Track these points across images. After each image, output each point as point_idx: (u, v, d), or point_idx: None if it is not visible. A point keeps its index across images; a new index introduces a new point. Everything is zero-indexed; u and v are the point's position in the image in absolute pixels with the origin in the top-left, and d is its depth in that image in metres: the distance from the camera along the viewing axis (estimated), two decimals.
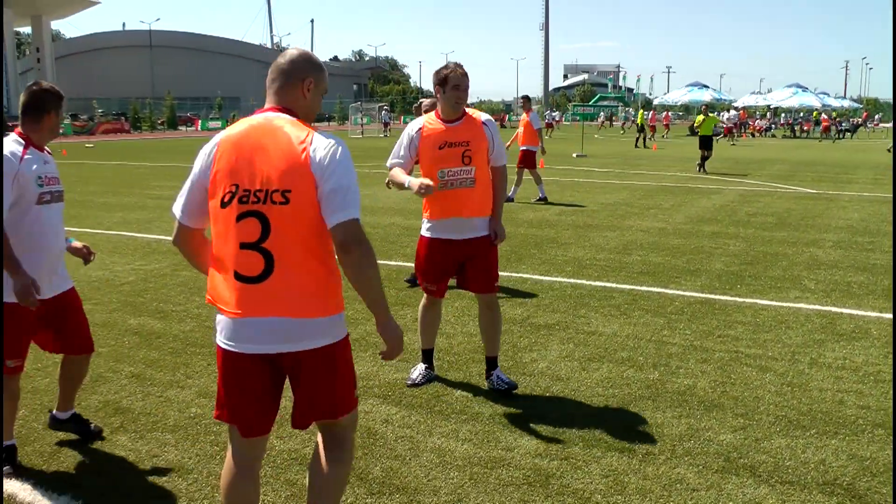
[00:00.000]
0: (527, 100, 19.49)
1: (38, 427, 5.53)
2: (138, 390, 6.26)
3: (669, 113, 72.48)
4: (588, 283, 9.67)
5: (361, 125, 68.78)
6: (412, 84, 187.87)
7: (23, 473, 4.82)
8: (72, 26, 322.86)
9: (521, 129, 18.51)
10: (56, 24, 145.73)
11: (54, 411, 5.28)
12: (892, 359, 6.97)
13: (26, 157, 4.69)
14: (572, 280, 9.79)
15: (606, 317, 8.16)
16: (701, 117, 28.10)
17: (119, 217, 16.07)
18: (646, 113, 54.98)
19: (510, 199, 17.77)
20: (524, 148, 18.17)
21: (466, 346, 7.16)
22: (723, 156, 34.51)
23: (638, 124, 48.95)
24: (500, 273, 10.17)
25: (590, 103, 52.79)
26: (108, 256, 11.79)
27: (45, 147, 4.95)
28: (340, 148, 3.32)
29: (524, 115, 18.66)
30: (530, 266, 10.59)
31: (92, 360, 6.91)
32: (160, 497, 4.52)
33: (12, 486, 4.68)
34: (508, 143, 17.41)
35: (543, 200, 17.99)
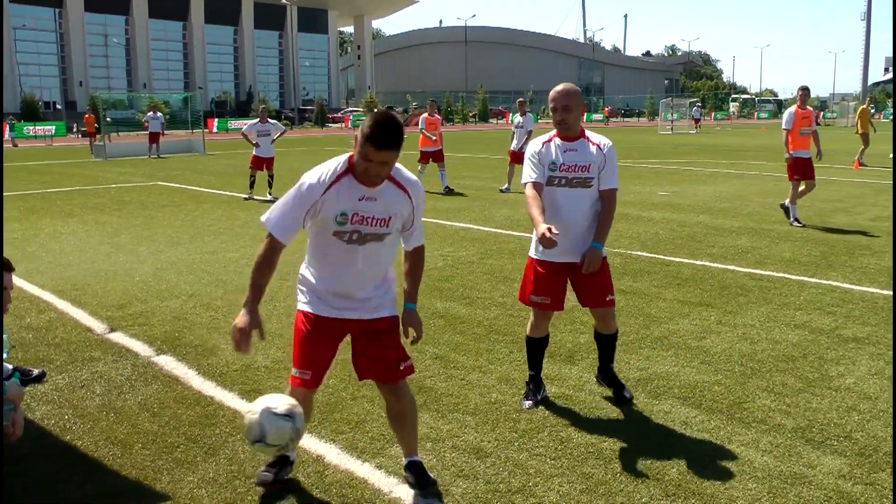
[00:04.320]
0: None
1: (346, 396, 5.94)
2: (442, 371, 6.55)
3: None
4: None
5: (671, 121, 67.96)
6: (725, 79, 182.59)
7: (332, 439, 5.21)
8: (391, 24, 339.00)
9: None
10: (377, 23, 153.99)
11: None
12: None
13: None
14: (886, 291, 9.15)
15: None
16: None
17: (429, 205, 16.76)
18: None
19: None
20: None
21: (770, 354, 6.93)
22: None
23: None
24: (807, 279, 9.79)
25: None
26: None
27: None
28: None
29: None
30: (841, 274, 10.05)
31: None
32: (458, 475, 4.71)
33: (323, 448, 5.07)
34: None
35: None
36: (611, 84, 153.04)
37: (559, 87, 5.57)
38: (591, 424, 5.45)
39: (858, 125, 28.96)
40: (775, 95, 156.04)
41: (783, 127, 14.51)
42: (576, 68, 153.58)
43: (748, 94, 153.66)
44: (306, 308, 4.36)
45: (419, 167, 20.30)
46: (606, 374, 6.00)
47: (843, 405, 5.80)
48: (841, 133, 58.75)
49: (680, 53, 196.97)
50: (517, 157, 19.98)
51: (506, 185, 20.32)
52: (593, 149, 5.54)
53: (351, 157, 4.12)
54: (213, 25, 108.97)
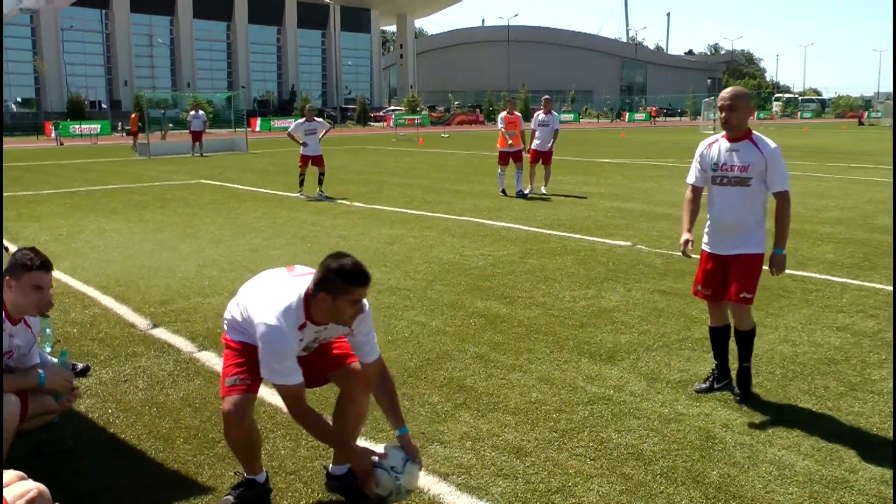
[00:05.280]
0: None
1: None
2: (482, 370, 6.55)
3: None
4: None
5: (713, 121, 67.52)
6: (768, 78, 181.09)
7: (372, 437, 5.20)
8: (433, 23, 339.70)
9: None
10: (419, 22, 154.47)
11: (330, 466, 4.68)
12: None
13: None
14: None
15: None
16: None
17: (470, 204, 16.85)
18: None
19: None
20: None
21: (812, 356, 6.86)
22: None
23: None
24: (850, 281, 9.68)
25: None
26: (459, 241, 12.37)
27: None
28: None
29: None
30: (884, 276, 9.89)
31: (439, 339, 7.38)
32: (497, 474, 4.71)
33: (364, 445, 5.08)
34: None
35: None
36: (653, 83, 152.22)
37: (728, 89, 5.88)
38: (632, 425, 5.43)
39: None
40: (819, 95, 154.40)
41: None
42: (618, 68, 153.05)
43: (791, 93, 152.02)
44: None
45: (499, 170, 19.37)
46: (741, 374, 6.01)
47: (885, 409, 5.73)
48: (886, 133, 57.99)
49: (723, 52, 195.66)
50: (539, 156, 19.54)
51: (529, 188, 19.34)
52: (755, 150, 5.76)
53: (307, 306, 4.06)
54: (257, 25, 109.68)
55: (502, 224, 14.02)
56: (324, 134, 19.99)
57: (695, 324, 7.85)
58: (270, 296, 4.09)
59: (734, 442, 5.17)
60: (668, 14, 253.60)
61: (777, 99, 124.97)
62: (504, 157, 19.31)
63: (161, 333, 7.63)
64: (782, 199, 5.81)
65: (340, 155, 35.63)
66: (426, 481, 4.61)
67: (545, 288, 9.33)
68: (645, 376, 6.39)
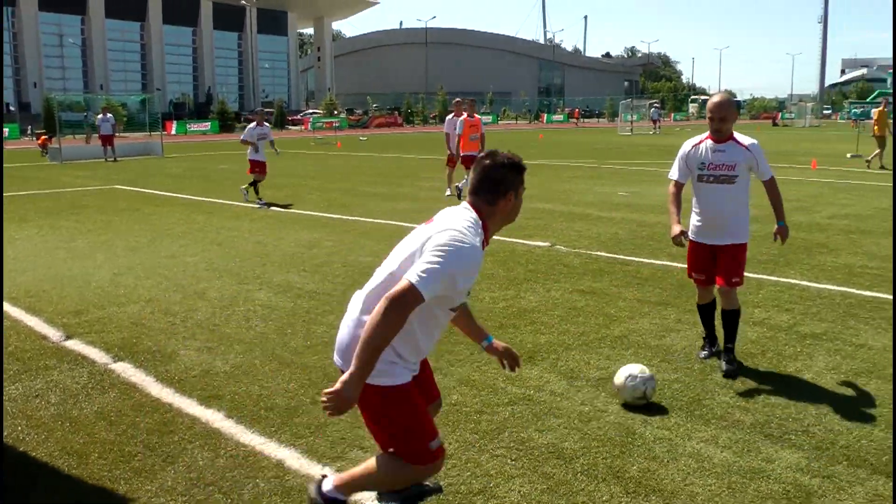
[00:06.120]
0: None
1: (306, 400, 5.89)
2: None
3: None
4: (858, 292, 9.11)
5: (631, 122, 68.48)
6: (684, 80, 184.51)
7: (292, 443, 5.17)
8: (351, 26, 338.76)
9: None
10: (336, 25, 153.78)
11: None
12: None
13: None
14: (842, 288, 9.28)
15: (877, 329, 7.64)
16: None
17: (388, 207, 16.79)
18: None
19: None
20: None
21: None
22: None
23: None
24: (766, 277, 9.89)
25: (867, 100, 49.63)
26: (377, 244, 12.31)
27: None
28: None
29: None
30: (799, 271, 10.15)
31: None
32: None
33: (283, 453, 5.03)
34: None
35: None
36: (571, 85, 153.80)
37: (716, 100, 6.50)
38: (552, 424, 5.45)
39: (875, 128, 27.12)
40: (734, 96, 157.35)
41: None
42: (536, 69, 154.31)
43: (707, 95, 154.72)
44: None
45: (466, 175, 17.73)
46: (727, 353, 6.64)
47: (800, 400, 5.87)
48: (799, 133, 59.47)
49: (640, 55, 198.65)
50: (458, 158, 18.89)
51: (449, 192, 18.92)
52: (740, 150, 6.44)
53: (485, 227, 3.79)
54: (172, 26, 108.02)
55: (416, 226, 13.86)
56: (272, 144, 19.25)
57: (613, 322, 7.93)
58: (452, 221, 3.80)
59: (653, 437, 5.23)
60: (586, 17, 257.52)
61: (693, 101, 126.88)
62: (468, 161, 18.19)
63: (74, 345, 7.43)
64: (772, 183, 6.65)
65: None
66: None
67: None
68: (565, 375, 6.43)
